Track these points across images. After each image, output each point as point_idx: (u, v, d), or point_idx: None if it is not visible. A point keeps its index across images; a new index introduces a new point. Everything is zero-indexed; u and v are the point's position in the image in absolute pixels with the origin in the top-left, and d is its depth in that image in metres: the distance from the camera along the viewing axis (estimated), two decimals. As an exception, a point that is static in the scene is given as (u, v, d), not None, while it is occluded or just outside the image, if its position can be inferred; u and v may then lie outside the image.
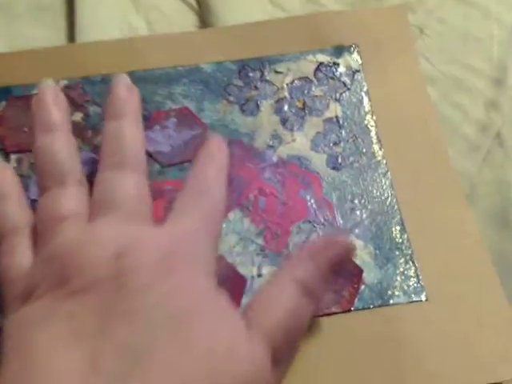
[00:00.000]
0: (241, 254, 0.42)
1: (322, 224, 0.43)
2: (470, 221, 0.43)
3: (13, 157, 0.46)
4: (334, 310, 0.40)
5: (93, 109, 0.48)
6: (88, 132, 0.47)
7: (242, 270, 0.41)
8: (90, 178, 0.44)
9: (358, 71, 0.49)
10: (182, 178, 0.45)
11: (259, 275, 0.41)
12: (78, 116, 0.47)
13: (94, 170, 0.44)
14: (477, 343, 0.39)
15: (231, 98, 0.48)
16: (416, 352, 0.38)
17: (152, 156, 0.46)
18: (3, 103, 0.47)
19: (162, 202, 0.44)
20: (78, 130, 0.47)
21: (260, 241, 0.42)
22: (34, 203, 0.43)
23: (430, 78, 0.50)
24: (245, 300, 0.40)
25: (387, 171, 0.44)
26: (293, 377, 0.37)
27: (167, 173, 0.45)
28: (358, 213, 0.43)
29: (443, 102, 0.49)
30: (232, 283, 0.41)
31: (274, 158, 0.45)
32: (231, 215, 0.43)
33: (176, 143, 0.46)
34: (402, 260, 0.41)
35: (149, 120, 0.47)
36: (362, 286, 0.40)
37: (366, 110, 0.47)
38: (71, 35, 0.52)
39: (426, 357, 0.38)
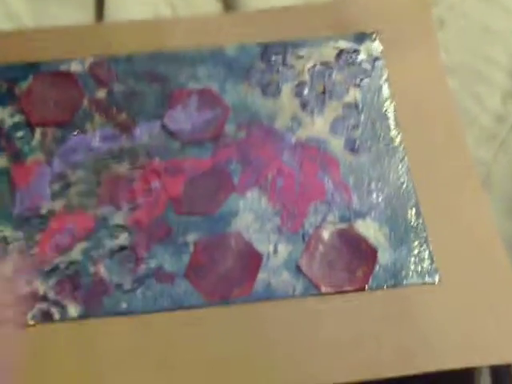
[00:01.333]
0: (257, 232, 0.42)
1: (338, 205, 0.43)
2: (485, 206, 0.42)
3: (37, 131, 0.46)
4: (348, 288, 0.39)
5: (117, 86, 0.48)
6: (112, 109, 0.47)
7: (258, 247, 0.41)
8: (112, 154, 0.44)
9: (378, 58, 0.48)
10: (201, 157, 0.45)
11: (275, 253, 0.41)
12: (102, 93, 0.48)
13: (114, 148, 0.44)
14: (486, 325, 0.38)
15: (253, 81, 0.48)
16: (426, 332, 0.38)
17: (173, 134, 0.46)
18: (30, 78, 0.48)
19: (182, 179, 0.44)
20: (102, 107, 0.47)
21: (277, 220, 0.42)
22: (56, 175, 0.44)
23: (450, 69, 0.49)
24: (260, 275, 0.40)
25: (404, 156, 0.44)
26: (300, 354, 0.37)
27: (187, 151, 0.45)
28: (374, 195, 0.43)
29: (462, 92, 0.49)
30: (248, 260, 0.41)
31: (293, 141, 0.45)
32: (249, 194, 0.43)
33: (197, 122, 0.46)
34: (417, 242, 0.41)
35: (171, 98, 0.47)
36: (377, 267, 0.40)
37: (385, 96, 0.47)
38: (99, 18, 0.52)
39: (435, 337, 0.38)
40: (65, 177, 0.44)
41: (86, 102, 0.47)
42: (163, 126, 0.46)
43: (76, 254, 0.41)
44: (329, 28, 0.49)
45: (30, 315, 0.39)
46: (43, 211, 0.42)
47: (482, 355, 0.37)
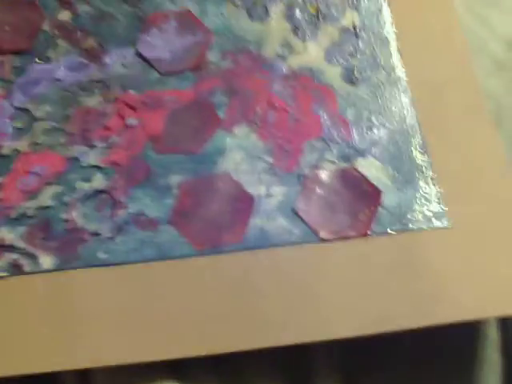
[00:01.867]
0: (248, 172, 0.39)
1: (337, 142, 0.40)
2: (496, 143, 0.40)
3: (-7, 59, 0.41)
4: (350, 233, 0.37)
5: (82, 7, 0.43)
6: (77, 33, 0.42)
7: (249, 189, 0.38)
8: (80, 86, 0.40)
9: (378, -24, 0.45)
10: (183, 88, 0.41)
11: (268, 195, 0.38)
12: (66, 15, 0.43)
13: (83, 79, 0.40)
14: (500, 273, 0.37)
15: (237, 1, 0.44)
16: (437, 280, 0.36)
17: (150, 63, 0.42)
18: (-20, -2, 0.42)
19: (162, 113, 0.40)
20: (65, 31, 0.43)
21: (269, 158, 0.39)
22: (17, 110, 0.40)
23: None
24: (253, 220, 0.37)
25: (407, 86, 0.41)
26: (299, 307, 0.35)
27: (167, 82, 0.41)
28: (375, 131, 0.40)
29: (469, 15, 0.45)
30: (239, 203, 0.38)
31: (285, 70, 0.42)
32: (237, 130, 0.40)
33: (176, 49, 0.42)
34: (423, 182, 0.39)
35: (146, 22, 0.42)
36: (380, 209, 0.38)
37: (386, 19, 0.43)
38: None
39: (448, 285, 0.36)
40: (28, 112, 0.40)
41: (47, 26, 0.42)
42: (137, 53, 0.42)
43: (46, 198, 0.38)
44: None
45: (-4, 268, 0.36)
46: (5, 151, 0.39)
47: (497, 306, 0.36)
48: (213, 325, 0.35)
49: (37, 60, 0.41)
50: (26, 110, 0.40)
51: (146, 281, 0.36)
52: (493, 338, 0.38)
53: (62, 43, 0.42)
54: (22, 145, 0.39)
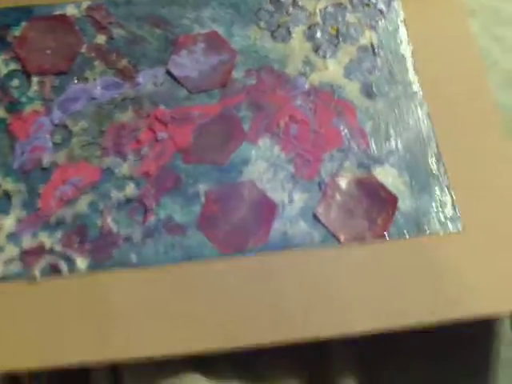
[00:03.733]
0: (271, 181, 0.42)
1: (355, 152, 0.43)
2: (507, 151, 0.42)
3: (34, 79, 0.46)
4: (367, 236, 0.40)
5: (117, 31, 0.47)
6: (112, 55, 0.47)
7: (272, 196, 0.41)
8: (115, 103, 0.44)
9: (394, -2, 0.48)
10: (210, 104, 0.44)
11: (290, 201, 0.41)
12: (102, 39, 0.47)
13: (117, 97, 0.44)
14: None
15: (262, 24, 0.47)
16: (453, 279, 0.39)
17: (179, 81, 0.45)
18: (24, 23, 0.47)
19: (191, 127, 0.44)
20: (101, 53, 0.47)
21: (291, 168, 0.42)
22: (56, 128, 0.43)
23: (470, 10, 0.49)
24: (276, 225, 0.40)
25: (423, 100, 0.44)
26: (318, 304, 0.38)
27: (195, 98, 0.45)
28: (392, 141, 0.43)
29: (483, 33, 0.48)
30: (263, 208, 0.41)
31: (306, 86, 0.45)
32: (261, 142, 0.43)
33: (204, 68, 0.46)
34: (438, 189, 0.41)
35: (176, 44, 0.46)
36: (397, 214, 0.40)
37: (403, 38, 0.47)
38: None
39: (463, 284, 0.38)
40: (66, 127, 0.44)
41: (84, 48, 0.46)
42: (168, 73, 0.45)
43: (82, 206, 0.41)
44: (341, -34, 0.48)
45: (37, 269, 0.39)
46: (45, 164, 0.42)
47: (510, 302, 0.38)
48: (236, 321, 0.38)
49: (75, 80, 0.45)
50: (64, 126, 0.44)
51: (174, 280, 0.39)
52: (506, 337, 0.40)
53: (98, 64, 0.46)
54: (60, 157, 0.43)
